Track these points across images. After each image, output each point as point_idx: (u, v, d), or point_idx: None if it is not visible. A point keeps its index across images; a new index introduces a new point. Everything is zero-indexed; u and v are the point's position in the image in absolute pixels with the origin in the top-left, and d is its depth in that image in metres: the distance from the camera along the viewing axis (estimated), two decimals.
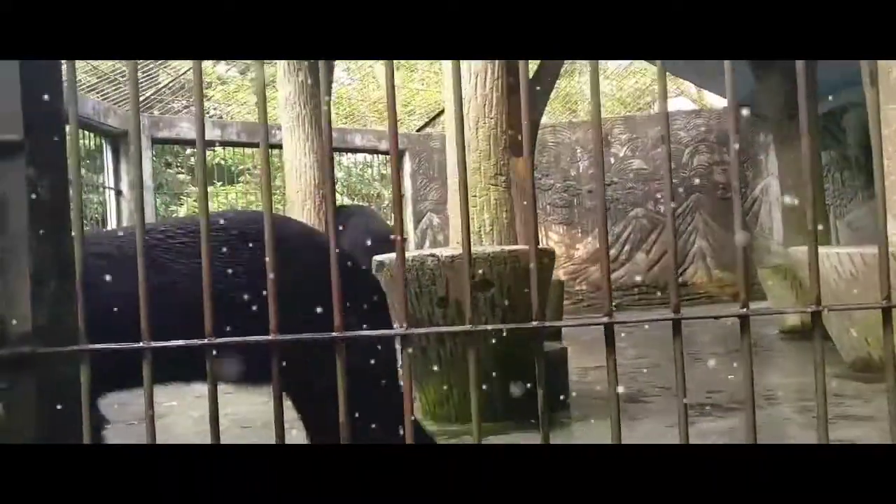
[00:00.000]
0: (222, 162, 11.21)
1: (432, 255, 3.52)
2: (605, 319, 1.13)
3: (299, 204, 6.24)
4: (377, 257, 3.81)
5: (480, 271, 3.51)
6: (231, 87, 12.58)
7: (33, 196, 1.42)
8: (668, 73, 14.10)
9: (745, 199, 10.90)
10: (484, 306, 3.51)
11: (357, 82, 13.83)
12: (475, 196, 3.99)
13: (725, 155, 11.01)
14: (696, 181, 10.91)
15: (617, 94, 15.10)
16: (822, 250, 4.47)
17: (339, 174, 11.96)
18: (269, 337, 1.21)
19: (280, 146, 6.53)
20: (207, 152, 10.95)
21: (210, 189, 10.82)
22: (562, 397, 4.10)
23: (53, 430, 1.40)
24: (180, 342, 1.37)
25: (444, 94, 4.27)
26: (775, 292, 6.25)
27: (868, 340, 4.31)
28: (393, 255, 3.76)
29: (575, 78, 13.43)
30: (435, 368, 3.73)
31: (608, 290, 1.14)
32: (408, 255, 3.61)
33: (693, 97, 18.60)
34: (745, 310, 1.09)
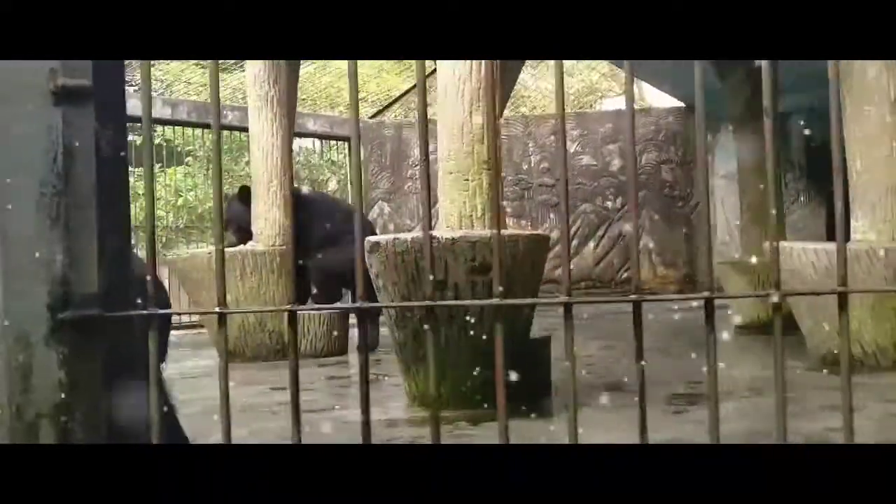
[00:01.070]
0: (164, 143, 10.90)
1: (432, 238, 3.47)
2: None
3: (265, 184, 6.11)
4: (371, 238, 3.74)
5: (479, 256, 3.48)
6: (179, 66, 12.25)
7: (100, 148, 1.33)
8: (616, 71, 14.20)
9: (689, 199, 11.13)
10: (481, 290, 3.48)
11: (308, 66, 13.62)
12: (468, 180, 3.96)
13: (673, 154, 11.23)
14: (643, 178, 11.09)
15: (568, 91, 15.28)
16: (798, 245, 4.59)
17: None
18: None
19: (238, 128, 6.36)
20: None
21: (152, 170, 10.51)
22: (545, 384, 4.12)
23: (117, 397, 1.33)
24: (260, 308, 1.31)
25: (438, 79, 4.20)
26: (735, 286, 6.39)
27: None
28: (389, 237, 3.69)
29: (526, 72, 13.51)
30: (427, 352, 3.68)
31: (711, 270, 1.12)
32: (406, 236, 3.56)
33: (634, 97, 18.95)
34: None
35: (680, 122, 11.13)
